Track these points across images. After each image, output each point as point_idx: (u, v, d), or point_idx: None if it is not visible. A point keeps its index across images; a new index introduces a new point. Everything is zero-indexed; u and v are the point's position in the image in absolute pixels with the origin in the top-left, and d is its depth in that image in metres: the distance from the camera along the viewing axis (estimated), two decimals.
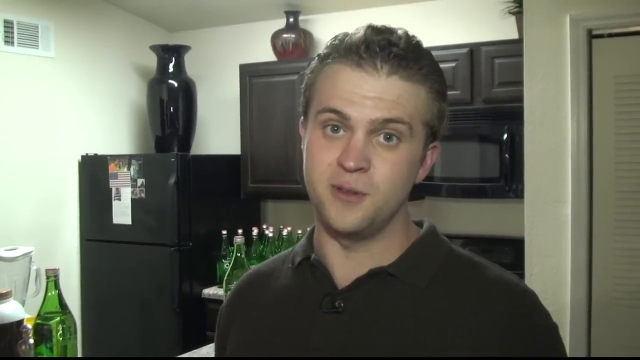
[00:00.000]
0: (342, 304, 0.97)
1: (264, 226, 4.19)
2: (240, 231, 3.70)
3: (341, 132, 0.93)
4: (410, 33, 0.97)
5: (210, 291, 4.03)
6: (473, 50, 3.54)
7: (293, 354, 0.98)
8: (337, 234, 0.98)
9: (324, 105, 0.94)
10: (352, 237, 0.98)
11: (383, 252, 0.99)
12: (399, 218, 1.00)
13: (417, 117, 0.94)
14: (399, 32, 0.95)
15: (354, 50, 0.93)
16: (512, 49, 3.34)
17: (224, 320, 1.14)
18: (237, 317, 1.11)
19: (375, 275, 0.97)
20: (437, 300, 0.96)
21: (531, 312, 0.96)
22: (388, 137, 0.93)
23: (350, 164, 0.91)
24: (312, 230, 1.06)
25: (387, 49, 0.92)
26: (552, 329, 0.97)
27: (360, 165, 0.91)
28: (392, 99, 0.92)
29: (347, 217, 0.93)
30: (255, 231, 4.07)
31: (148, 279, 4.04)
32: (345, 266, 1.00)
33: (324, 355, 0.96)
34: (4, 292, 2.24)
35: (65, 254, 4.19)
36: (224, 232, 4.03)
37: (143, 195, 4.04)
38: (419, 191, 3.52)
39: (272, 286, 1.08)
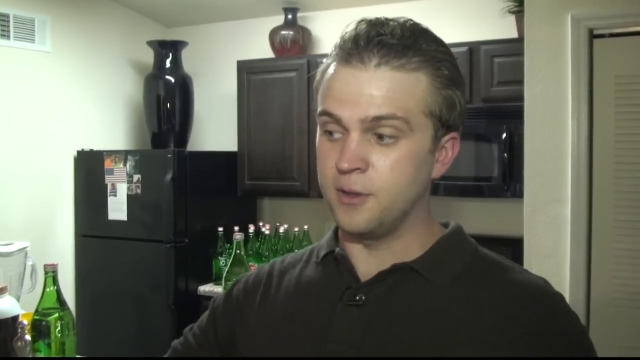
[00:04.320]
0: (363, 297, 0.96)
1: (261, 223, 4.17)
2: (236, 228, 3.68)
3: (338, 135, 0.92)
4: (410, 20, 0.94)
5: (206, 288, 4.01)
6: (472, 49, 3.53)
7: (312, 344, 0.97)
8: (351, 235, 0.97)
9: (320, 108, 0.94)
10: (366, 237, 0.97)
11: (405, 250, 0.98)
12: (418, 215, 0.98)
13: (415, 109, 0.90)
14: (392, 22, 0.92)
15: (343, 46, 0.92)
16: (511, 48, 3.34)
17: (238, 299, 1.12)
18: (252, 301, 1.10)
19: (398, 271, 0.97)
20: (461, 298, 0.94)
21: (558, 314, 0.94)
22: (381, 136, 0.90)
23: (344, 166, 0.89)
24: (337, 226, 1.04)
25: (375, 39, 0.89)
26: (580, 332, 0.95)
27: (354, 166, 0.89)
28: (381, 94, 0.89)
29: (353, 218, 0.93)
30: (251, 228, 4.05)
31: (144, 276, 4.02)
32: (368, 263, 0.99)
33: (341, 349, 0.95)
34: None
35: (60, 249, 4.17)
36: (221, 229, 4.01)
37: (139, 191, 4.01)
38: None
39: (295, 276, 1.07)
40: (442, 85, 0.92)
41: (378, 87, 0.89)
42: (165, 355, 1.20)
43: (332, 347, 0.95)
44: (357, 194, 0.91)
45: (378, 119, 0.89)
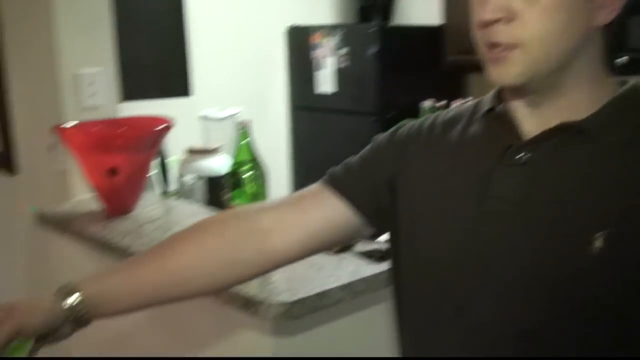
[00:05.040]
0: (526, 156, 0.93)
1: (468, 99, 4.09)
2: (441, 103, 3.64)
3: None
4: None
5: None
6: None
7: (471, 199, 0.96)
8: (510, 90, 0.95)
9: None
10: (527, 92, 0.92)
11: (572, 107, 0.91)
12: (584, 69, 0.91)
13: None
14: None
15: None
16: None
17: (401, 143, 1.11)
18: (414, 148, 1.08)
19: (565, 130, 0.90)
20: (634, 163, 0.86)
21: None
22: None
23: (486, 17, 0.86)
24: None
25: None
26: None
27: (496, 16, 0.86)
28: None
29: (502, 72, 0.90)
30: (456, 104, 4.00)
31: (351, 147, 4.11)
32: (531, 121, 0.94)
33: (501, 207, 0.92)
34: (213, 147, 2.46)
35: (275, 120, 4.43)
36: (425, 103, 4.00)
37: (345, 65, 4.10)
38: (621, 70, 3.19)
39: (457, 130, 1.05)
40: None
41: None
42: (324, 178, 1.16)
43: (492, 203, 0.93)
44: (504, 49, 0.87)
45: None
